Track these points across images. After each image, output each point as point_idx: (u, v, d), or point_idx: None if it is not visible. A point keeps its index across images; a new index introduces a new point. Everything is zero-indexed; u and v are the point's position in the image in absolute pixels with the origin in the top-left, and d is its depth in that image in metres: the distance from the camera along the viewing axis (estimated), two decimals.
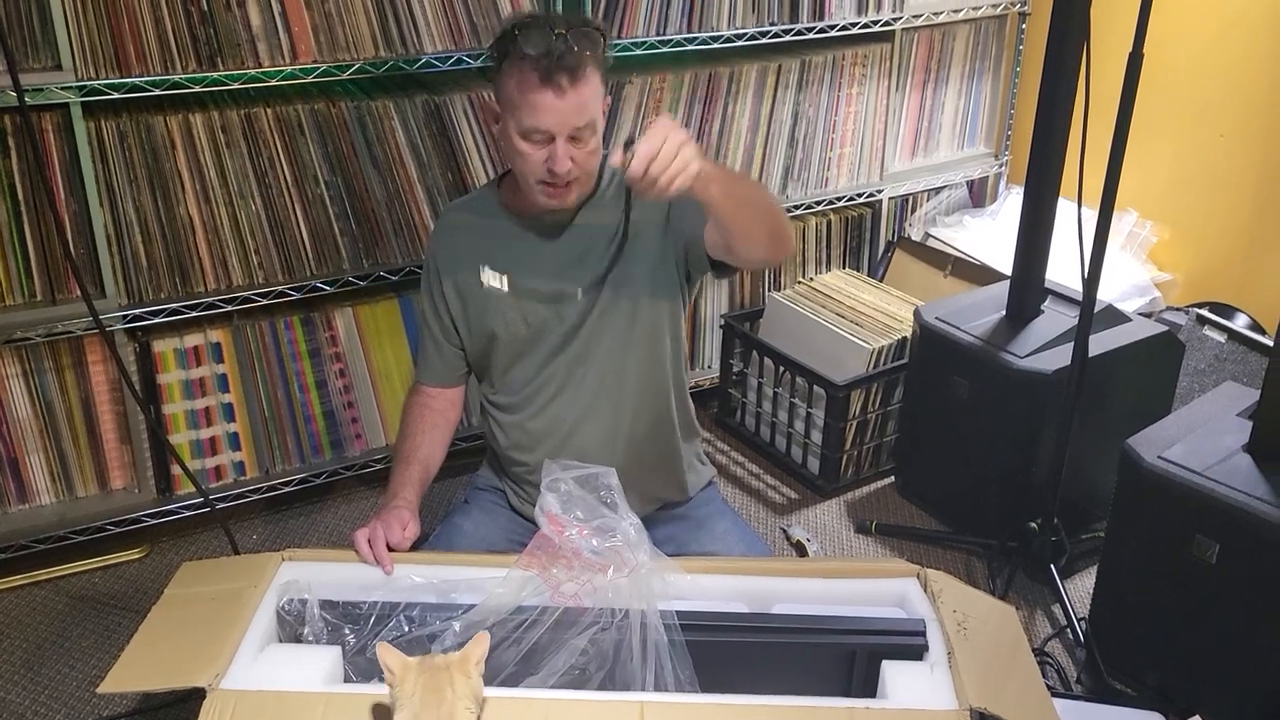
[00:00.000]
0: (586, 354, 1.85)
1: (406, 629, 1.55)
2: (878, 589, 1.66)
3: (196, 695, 1.39)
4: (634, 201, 1.80)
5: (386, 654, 1.34)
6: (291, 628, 1.58)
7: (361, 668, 1.55)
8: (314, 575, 1.63)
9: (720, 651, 1.53)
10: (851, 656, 1.55)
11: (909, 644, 1.53)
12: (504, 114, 1.72)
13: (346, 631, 1.56)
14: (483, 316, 1.86)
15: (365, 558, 1.65)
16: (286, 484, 2.49)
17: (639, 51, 2.60)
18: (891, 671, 1.47)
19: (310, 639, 1.56)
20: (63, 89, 2.04)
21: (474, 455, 2.17)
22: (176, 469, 2.36)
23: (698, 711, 1.39)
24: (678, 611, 1.51)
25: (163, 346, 2.30)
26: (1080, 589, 2.31)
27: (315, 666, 1.46)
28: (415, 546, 1.72)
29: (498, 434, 1.94)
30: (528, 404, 1.89)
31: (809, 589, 1.66)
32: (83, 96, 2.06)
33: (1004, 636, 1.57)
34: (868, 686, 1.53)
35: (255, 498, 2.47)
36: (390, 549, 1.66)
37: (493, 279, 1.84)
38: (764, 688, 1.44)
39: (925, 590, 1.63)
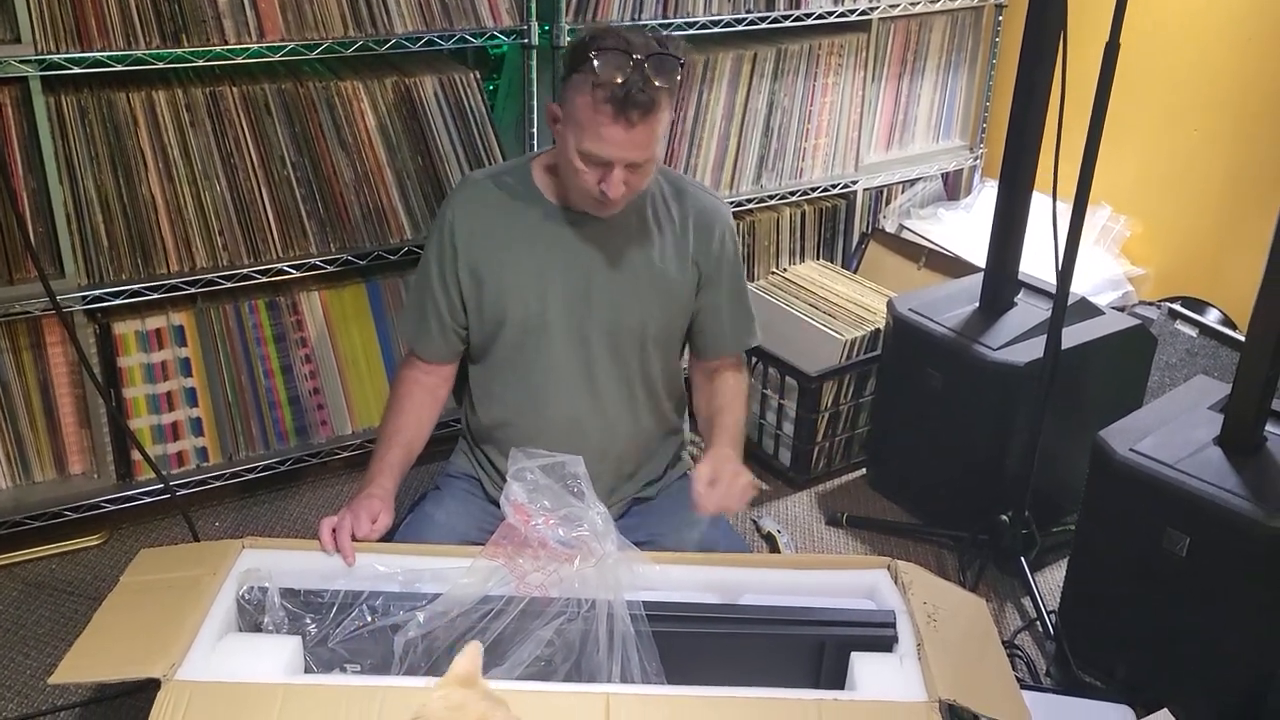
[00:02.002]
0: (595, 352, 1.82)
1: (369, 619, 1.52)
2: (848, 580, 1.65)
3: (152, 685, 1.35)
4: (669, 225, 1.83)
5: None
6: (251, 616, 1.54)
7: (323, 658, 1.52)
8: (275, 563, 1.60)
9: (688, 642, 1.51)
10: (820, 648, 1.54)
11: (878, 635, 1.52)
12: (565, 124, 1.67)
13: (308, 621, 1.52)
14: (498, 301, 1.80)
15: (327, 547, 1.61)
16: (251, 471, 2.44)
17: None
18: (860, 663, 1.45)
19: (270, 628, 1.52)
20: (21, 62, 1.98)
21: (448, 443, 2.14)
22: (137, 454, 2.31)
23: (663, 703, 1.37)
24: (645, 602, 1.49)
25: (123, 328, 2.25)
26: (1050, 582, 2.30)
27: (274, 657, 1.43)
28: (387, 535, 1.69)
29: (475, 428, 1.91)
30: (524, 402, 1.84)
31: (778, 580, 1.65)
32: (42, 70, 2.00)
33: (974, 628, 1.56)
34: (836, 678, 1.51)
35: (218, 484, 2.42)
36: (357, 540, 1.63)
37: (516, 263, 1.79)
38: (732, 679, 1.43)
39: (896, 582, 1.61)
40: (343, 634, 1.51)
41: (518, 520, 1.51)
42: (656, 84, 1.60)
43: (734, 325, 1.93)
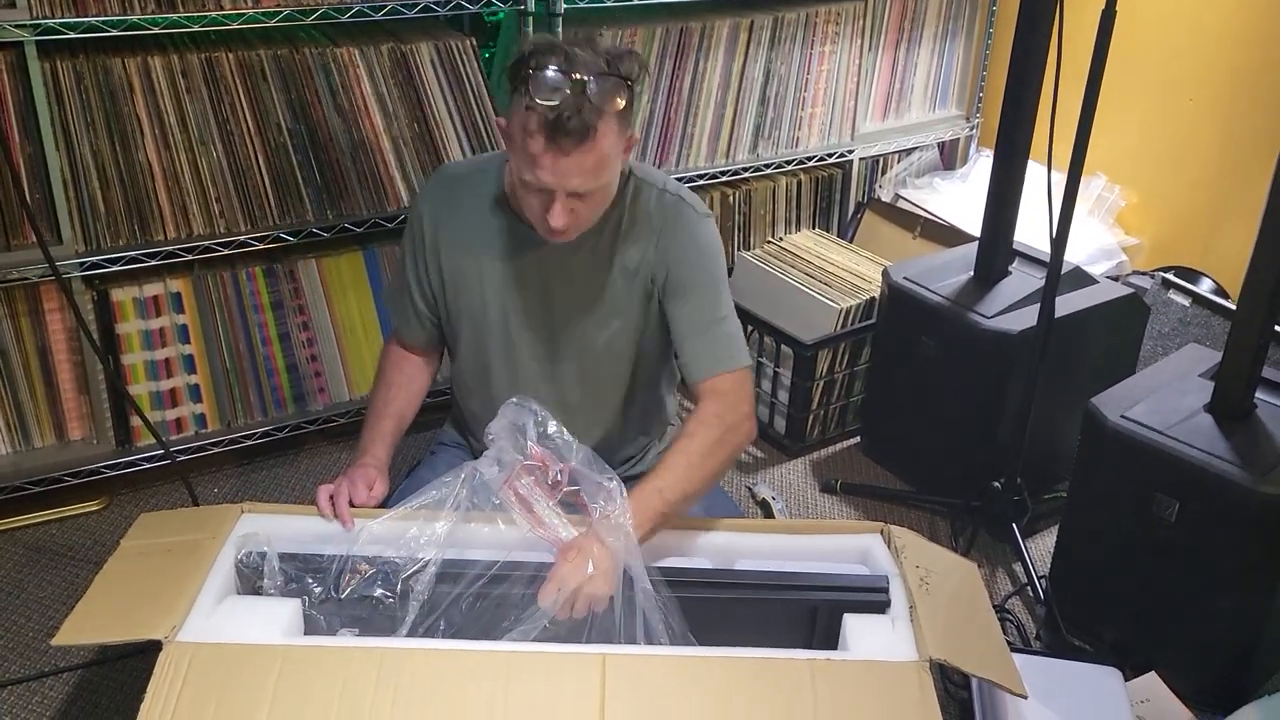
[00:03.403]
0: (562, 368, 1.78)
1: (370, 582, 1.53)
2: (841, 545, 1.67)
3: (154, 647, 1.37)
4: (629, 235, 1.71)
5: None
6: (250, 580, 1.56)
7: (322, 623, 1.54)
8: (273, 528, 1.61)
9: (682, 607, 1.53)
10: (814, 612, 1.56)
11: (872, 600, 1.54)
12: (509, 144, 1.57)
13: (309, 581, 1.54)
14: (457, 303, 1.78)
15: (324, 513, 1.62)
16: (249, 437, 2.46)
17: (610, 3, 2.56)
18: (853, 623, 1.47)
19: (271, 592, 1.54)
20: (17, 27, 1.98)
21: (441, 410, 2.15)
22: (136, 420, 2.33)
23: (659, 664, 1.39)
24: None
25: (121, 295, 2.26)
26: (1042, 548, 2.33)
27: (274, 619, 1.44)
28: (383, 503, 1.70)
29: (466, 419, 1.91)
30: (494, 405, 1.78)
31: (772, 545, 1.66)
32: (38, 35, 2.00)
33: (965, 592, 1.59)
34: (829, 641, 1.54)
35: (216, 451, 2.44)
36: (354, 507, 1.63)
37: (477, 271, 1.74)
38: (725, 643, 1.44)
39: (889, 546, 1.63)
40: (343, 597, 1.53)
41: (536, 462, 1.51)
42: (597, 108, 1.47)
43: (702, 345, 1.70)
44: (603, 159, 1.52)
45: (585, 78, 1.46)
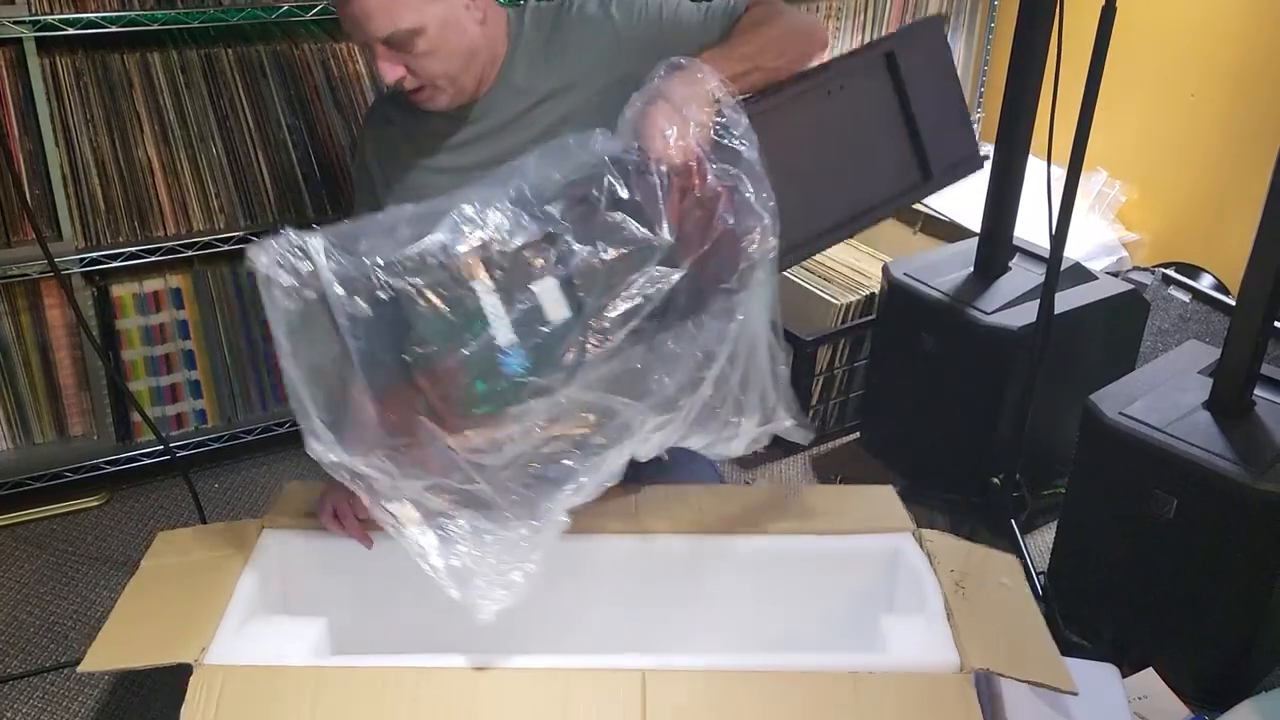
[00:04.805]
0: None
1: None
2: (870, 546, 1.65)
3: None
4: (560, 82, 1.61)
5: None
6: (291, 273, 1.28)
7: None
8: (296, 545, 1.60)
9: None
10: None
11: None
12: None
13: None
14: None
15: (336, 531, 1.59)
16: (249, 433, 2.46)
17: None
18: (891, 625, 1.47)
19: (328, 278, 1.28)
20: (15, 23, 1.98)
21: None
22: (136, 416, 2.33)
23: (699, 677, 1.36)
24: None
25: (121, 291, 2.26)
26: (1040, 544, 2.33)
27: (301, 638, 1.42)
28: None
29: None
30: None
31: (797, 548, 1.67)
32: (37, 31, 2.00)
33: (1004, 590, 1.58)
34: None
35: (217, 446, 2.44)
36: (361, 519, 1.59)
37: (420, 184, 1.69)
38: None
39: (920, 547, 1.63)
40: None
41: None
42: None
43: (708, 13, 1.60)
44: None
45: None
